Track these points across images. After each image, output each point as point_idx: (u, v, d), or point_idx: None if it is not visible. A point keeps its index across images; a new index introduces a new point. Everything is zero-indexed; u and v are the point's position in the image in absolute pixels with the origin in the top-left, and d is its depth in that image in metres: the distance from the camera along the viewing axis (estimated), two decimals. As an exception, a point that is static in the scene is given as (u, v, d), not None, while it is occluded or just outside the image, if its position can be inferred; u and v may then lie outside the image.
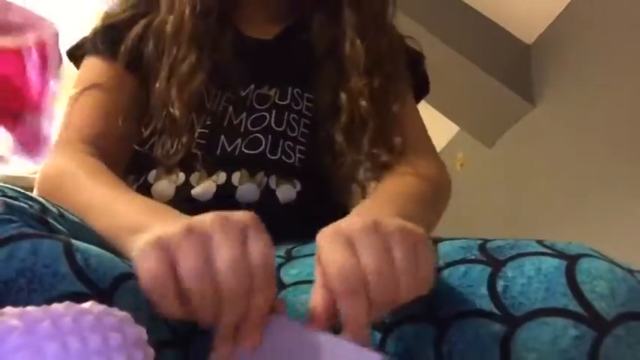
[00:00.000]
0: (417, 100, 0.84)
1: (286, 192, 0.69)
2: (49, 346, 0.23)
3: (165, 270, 0.37)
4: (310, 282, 0.50)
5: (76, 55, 0.78)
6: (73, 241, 0.41)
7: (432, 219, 0.65)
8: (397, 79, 0.75)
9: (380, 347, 0.46)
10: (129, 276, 0.41)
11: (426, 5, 2.30)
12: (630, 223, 1.71)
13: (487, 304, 0.42)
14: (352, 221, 0.42)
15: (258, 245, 0.39)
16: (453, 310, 0.44)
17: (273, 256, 0.40)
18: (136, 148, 0.72)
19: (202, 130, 0.70)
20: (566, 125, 2.14)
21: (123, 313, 0.26)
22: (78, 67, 0.78)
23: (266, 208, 0.57)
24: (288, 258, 0.58)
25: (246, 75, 0.73)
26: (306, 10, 0.78)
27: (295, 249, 0.60)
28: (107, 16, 0.77)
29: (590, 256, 0.42)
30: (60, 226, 0.45)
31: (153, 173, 0.70)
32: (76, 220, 0.50)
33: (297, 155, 0.71)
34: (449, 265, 0.46)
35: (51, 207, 0.47)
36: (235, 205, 0.66)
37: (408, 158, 0.70)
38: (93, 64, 0.75)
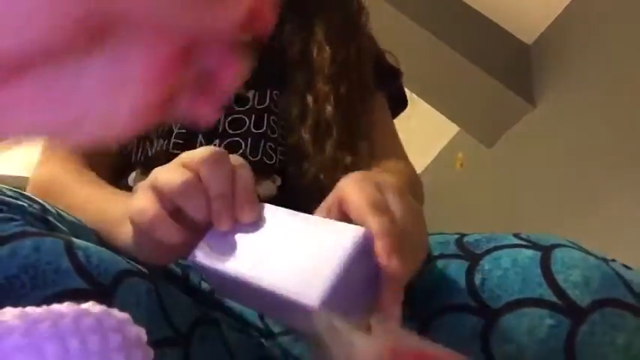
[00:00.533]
0: (394, 115, 0.85)
1: (267, 188, 0.69)
2: (49, 347, 0.23)
3: (154, 199, 0.40)
4: None
5: None
6: (74, 239, 0.41)
7: None
8: (364, 87, 0.76)
9: None
10: (130, 273, 0.41)
11: (425, 5, 2.30)
12: (631, 223, 1.71)
13: (465, 298, 0.43)
14: (385, 176, 0.43)
15: (237, 158, 0.43)
16: (433, 305, 0.44)
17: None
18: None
19: (180, 131, 0.70)
20: (566, 126, 2.14)
21: (123, 314, 0.26)
22: None
23: None
24: None
25: None
26: (279, 16, 0.79)
27: None
28: None
29: (564, 246, 0.43)
30: (60, 225, 0.46)
31: (132, 176, 0.71)
32: (74, 220, 0.51)
33: (279, 157, 0.71)
34: (428, 261, 0.47)
35: (50, 207, 0.48)
36: None
37: (379, 162, 0.71)
38: None
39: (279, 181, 0.70)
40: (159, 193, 0.41)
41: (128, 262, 0.43)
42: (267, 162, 0.71)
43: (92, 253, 0.40)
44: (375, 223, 0.37)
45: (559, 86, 2.23)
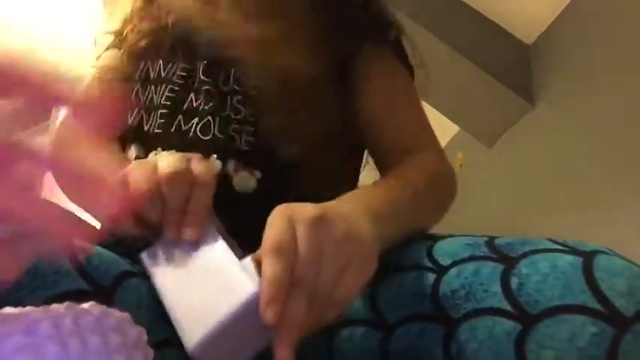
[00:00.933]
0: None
1: (244, 180, 0.66)
2: (50, 347, 0.23)
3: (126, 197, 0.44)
4: None
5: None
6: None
7: (419, 217, 0.60)
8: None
9: (382, 345, 0.45)
10: (130, 274, 0.42)
11: (425, 5, 2.30)
12: (631, 223, 1.71)
13: (500, 302, 0.41)
14: (307, 208, 0.42)
15: (199, 162, 0.48)
16: (464, 308, 0.43)
17: (213, 171, 0.48)
18: None
19: (163, 111, 0.70)
20: (566, 125, 2.14)
21: (122, 314, 0.26)
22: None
23: (222, 198, 0.55)
24: None
25: (185, 50, 0.74)
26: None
27: None
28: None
29: (605, 252, 0.42)
30: None
31: (132, 151, 0.72)
32: None
33: (245, 137, 0.68)
34: (456, 262, 0.45)
35: None
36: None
37: (407, 153, 0.69)
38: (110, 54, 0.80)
39: (259, 174, 0.67)
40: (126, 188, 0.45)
41: (129, 263, 0.43)
42: (233, 144, 0.68)
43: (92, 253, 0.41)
44: (266, 270, 0.38)
45: (559, 86, 2.23)
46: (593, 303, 0.39)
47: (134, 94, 0.73)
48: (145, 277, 0.43)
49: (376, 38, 0.76)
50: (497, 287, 0.42)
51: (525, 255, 0.43)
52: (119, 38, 0.78)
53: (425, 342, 0.43)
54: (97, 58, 0.82)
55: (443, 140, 3.03)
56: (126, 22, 0.79)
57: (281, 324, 0.36)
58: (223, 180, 0.65)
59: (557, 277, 0.40)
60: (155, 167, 0.46)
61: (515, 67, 2.41)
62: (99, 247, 0.42)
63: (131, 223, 0.44)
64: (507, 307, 0.41)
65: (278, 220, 0.41)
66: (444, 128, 2.83)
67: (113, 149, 0.69)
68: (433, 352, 0.43)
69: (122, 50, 0.76)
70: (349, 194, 0.53)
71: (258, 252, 0.41)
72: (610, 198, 1.83)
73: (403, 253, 0.49)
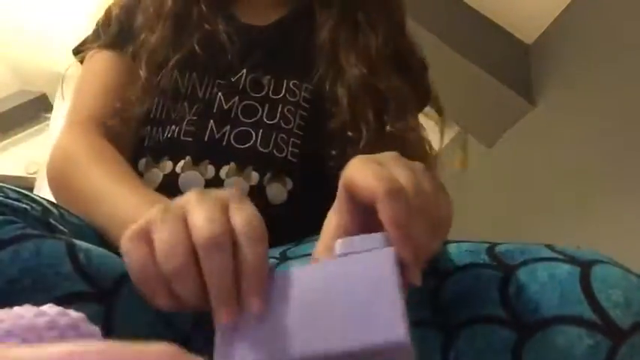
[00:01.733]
0: (418, 110, 0.83)
1: (277, 191, 0.67)
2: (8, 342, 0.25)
3: (149, 259, 0.35)
4: None
5: (81, 51, 0.79)
6: (76, 241, 0.41)
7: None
8: (402, 85, 0.74)
9: None
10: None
11: (425, 5, 2.30)
12: (632, 224, 1.71)
13: (498, 310, 0.41)
14: (379, 154, 0.40)
15: (240, 210, 0.37)
16: (462, 315, 0.43)
17: (259, 219, 0.37)
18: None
19: (192, 118, 0.69)
20: (567, 125, 2.14)
21: (78, 314, 0.27)
22: (82, 63, 0.79)
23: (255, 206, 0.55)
24: (283, 259, 0.57)
25: (236, 60, 0.72)
26: (303, 10, 0.78)
27: (290, 250, 0.59)
28: (109, 10, 0.79)
29: (604, 262, 0.41)
30: (61, 227, 0.46)
31: (142, 162, 0.70)
32: (76, 221, 0.51)
33: (291, 148, 0.69)
34: (458, 269, 0.45)
35: (52, 208, 0.48)
36: None
37: None
38: (99, 56, 0.76)
39: (290, 185, 0.67)
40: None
41: None
42: (277, 155, 0.68)
43: (94, 255, 0.40)
44: (387, 208, 0.34)
45: (559, 86, 2.23)
46: (589, 314, 0.39)
47: (156, 105, 0.72)
48: None
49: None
50: (494, 292, 0.42)
51: (524, 263, 0.43)
52: (130, 42, 0.75)
53: (424, 348, 0.43)
54: (78, 50, 0.79)
55: (444, 140, 3.04)
56: (146, 26, 0.74)
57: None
58: (257, 190, 0.65)
59: (554, 287, 0.40)
60: (185, 225, 0.36)
61: (515, 67, 2.41)
62: (99, 249, 0.42)
63: (164, 297, 0.36)
64: (505, 315, 0.41)
65: (367, 164, 0.37)
66: (445, 128, 2.83)
67: (131, 176, 0.61)
68: (433, 358, 0.43)
69: (140, 57, 0.72)
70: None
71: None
72: (610, 198, 1.83)
73: None
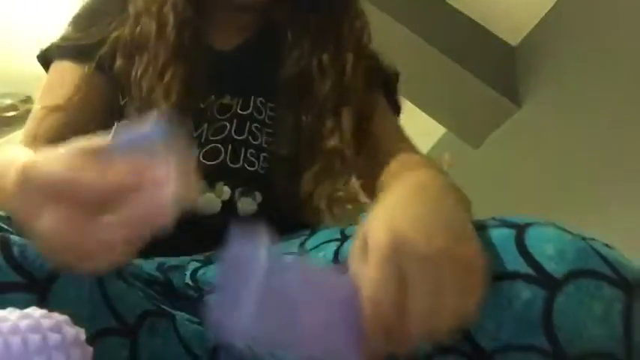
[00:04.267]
0: None
1: (246, 204, 0.69)
2: None
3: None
4: None
5: (46, 57, 0.78)
6: (12, 236, 0.42)
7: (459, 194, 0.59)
8: (364, 104, 0.76)
9: None
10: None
11: (410, 7, 2.31)
12: (619, 223, 1.73)
13: None
14: (409, 241, 0.39)
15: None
16: None
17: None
18: None
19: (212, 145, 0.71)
20: (552, 126, 2.15)
21: (62, 316, 0.28)
22: (47, 70, 0.78)
23: (227, 221, 0.57)
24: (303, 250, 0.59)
25: (204, 86, 0.73)
26: (275, 20, 0.79)
27: (308, 241, 0.61)
28: (75, 25, 0.77)
29: (539, 223, 0.43)
30: (6, 227, 0.46)
31: None
32: None
33: (262, 164, 0.71)
34: None
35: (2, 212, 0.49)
36: (197, 217, 0.66)
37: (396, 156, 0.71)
38: (62, 68, 0.75)
39: (259, 198, 0.70)
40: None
41: None
42: (249, 168, 0.71)
43: (29, 248, 0.41)
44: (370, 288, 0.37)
45: (544, 87, 2.25)
46: (525, 269, 0.40)
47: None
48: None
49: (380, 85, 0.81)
50: None
51: None
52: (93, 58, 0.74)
53: None
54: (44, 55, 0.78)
55: (430, 142, 3.05)
56: (124, 54, 0.73)
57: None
58: (228, 204, 0.68)
59: (491, 250, 0.41)
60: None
61: (500, 69, 2.42)
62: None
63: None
64: None
65: (386, 269, 0.38)
66: (430, 130, 2.84)
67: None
68: None
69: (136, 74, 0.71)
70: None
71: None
72: (597, 198, 1.85)
73: None
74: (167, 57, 0.71)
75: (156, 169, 0.37)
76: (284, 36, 0.78)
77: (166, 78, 0.69)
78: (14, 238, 0.41)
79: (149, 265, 0.62)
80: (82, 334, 0.28)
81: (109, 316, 0.43)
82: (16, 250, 0.40)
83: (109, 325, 0.42)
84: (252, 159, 0.71)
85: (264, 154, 0.72)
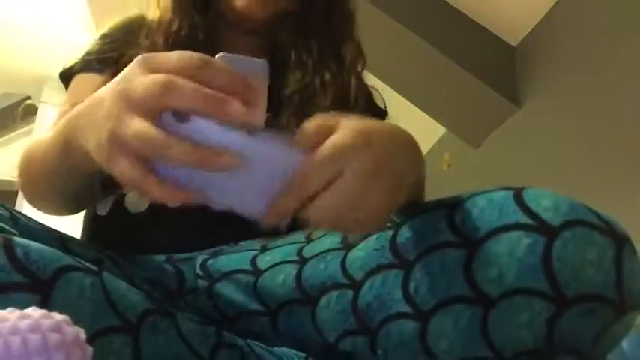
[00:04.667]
0: None
1: None
2: None
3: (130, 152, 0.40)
4: (284, 262, 0.56)
5: (68, 75, 0.81)
6: (15, 237, 0.42)
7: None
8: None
9: (353, 302, 0.50)
10: (72, 268, 0.43)
11: (410, 7, 2.31)
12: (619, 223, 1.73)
13: (447, 237, 0.46)
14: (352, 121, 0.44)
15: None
16: (417, 250, 0.48)
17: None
18: None
19: None
20: (552, 126, 2.16)
21: (62, 316, 0.28)
22: (67, 87, 0.81)
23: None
24: (263, 250, 0.61)
25: None
26: (279, 42, 0.83)
27: (270, 243, 0.63)
28: (97, 42, 0.82)
29: (534, 187, 0.47)
30: (9, 228, 0.47)
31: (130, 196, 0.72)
32: (30, 224, 0.52)
33: None
34: (411, 218, 0.50)
35: (3, 212, 0.50)
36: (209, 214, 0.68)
37: None
38: (85, 79, 0.79)
39: None
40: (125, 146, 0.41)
41: (72, 258, 0.44)
42: None
43: (32, 249, 0.42)
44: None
45: (544, 87, 2.25)
46: (525, 220, 0.44)
47: None
48: (89, 271, 0.44)
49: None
50: (443, 225, 0.47)
51: (466, 199, 0.48)
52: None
53: (387, 288, 0.48)
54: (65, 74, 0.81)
55: (430, 142, 3.05)
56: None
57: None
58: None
59: (492, 207, 0.45)
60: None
61: (501, 69, 2.43)
62: (39, 244, 0.43)
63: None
64: (454, 238, 0.46)
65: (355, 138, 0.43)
66: (431, 130, 2.84)
67: None
68: (394, 294, 0.47)
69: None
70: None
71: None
72: (596, 198, 1.84)
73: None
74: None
75: (252, 90, 0.42)
76: (288, 56, 0.81)
77: None
78: (17, 239, 0.42)
79: (158, 259, 0.64)
80: (82, 334, 0.28)
81: (112, 314, 0.44)
82: (19, 251, 0.41)
83: (111, 324, 0.43)
84: None
85: None
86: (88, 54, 0.81)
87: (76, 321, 0.29)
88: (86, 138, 0.46)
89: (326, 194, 0.42)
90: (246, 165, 0.40)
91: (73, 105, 0.74)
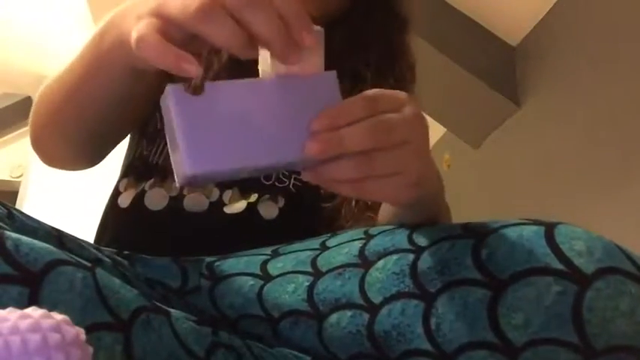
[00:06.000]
0: None
1: (268, 208, 0.71)
2: None
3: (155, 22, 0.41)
4: (297, 272, 0.54)
5: None
6: (7, 232, 0.42)
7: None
8: None
9: (368, 327, 0.48)
10: (64, 262, 0.42)
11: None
12: (616, 223, 1.73)
13: (472, 273, 0.44)
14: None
15: None
16: (439, 283, 0.45)
17: None
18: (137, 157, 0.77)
19: None
20: (551, 126, 2.16)
21: (61, 316, 0.28)
22: None
23: (249, 223, 0.64)
24: (274, 255, 0.60)
25: None
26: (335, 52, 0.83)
27: (281, 248, 0.62)
28: None
29: (567, 223, 0.45)
30: (4, 225, 0.47)
31: (150, 182, 0.73)
32: (28, 222, 0.52)
33: (293, 181, 0.73)
34: (433, 242, 0.48)
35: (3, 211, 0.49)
36: (222, 218, 0.69)
37: None
38: None
39: (282, 202, 0.72)
40: (165, 19, 0.41)
41: (67, 255, 0.44)
42: (279, 185, 0.72)
43: (23, 242, 0.41)
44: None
45: (544, 87, 2.25)
46: (556, 264, 0.42)
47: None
48: (81, 266, 0.44)
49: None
50: (469, 261, 0.45)
51: (495, 230, 0.46)
52: None
53: (407, 319, 0.46)
54: None
55: (430, 142, 3.05)
56: None
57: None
58: (249, 208, 0.70)
59: (523, 245, 0.43)
60: None
61: (500, 69, 2.43)
62: (31, 239, 0.43)
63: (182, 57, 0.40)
64: (479, 276, 0.44)
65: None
66: (430, 130, 2.84)
67: None
68: (415, 328, 0.46)
69: None
70: None
71: None
72: (596, 198, 1.85)
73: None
74: None
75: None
76: (340, 66, 0.81)
77: None
78: (8, 233, 0.42)
79: (163, 259, 0.63)
80: (82, 334, 0.28)
81: (102, 310, 0.43)
82: (9, 243, 0.41)
83: (101, 319, 0.42)
84: (284, 178, 0.74)
85: (297, 174, 0.74)
86: None
87: (65, 315, 0.29)
88: (120, 26, 0.47)
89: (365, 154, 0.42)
90: (282, 108, 0.40)
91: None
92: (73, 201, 3.08)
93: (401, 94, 0.46)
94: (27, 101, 3.61)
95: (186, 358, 0.47)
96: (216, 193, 0.71)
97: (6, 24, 2.98)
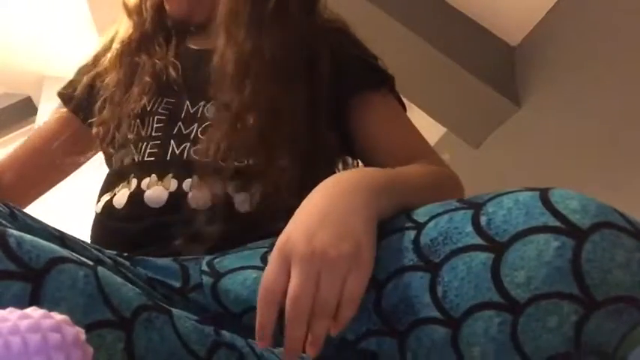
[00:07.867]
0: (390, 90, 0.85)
1: (243, 199, 0.70)
2: None
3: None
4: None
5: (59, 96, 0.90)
6: (10, 230, 0.42)
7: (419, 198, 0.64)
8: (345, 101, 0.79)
9: (375, 303, 0.50)
10: (66, 259, 0.43)
11: (410, 6, 2.31)
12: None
13: (474, 239, 0.46)
14: (299, 243, 0.48)
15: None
16: (442, 252, 0.47)
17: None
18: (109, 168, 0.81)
19: (154, 142, 0.74)
20: (551, 126, 2.16)
21: (62, 316, 0.28)
22: None
23: (221, 215, 0.66)
24: (273, 247, 0.61)
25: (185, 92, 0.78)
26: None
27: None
28: (78, 70, 0.89)
29: (560, 188, 0.47)
30: (6, 223, 0.47)
31: (119, 187, 0.74)
32: (30, 222, 0.52)
33: (251, 161, 0.73)
34: (432, 217, 0.50)
35: (3, 208, 0.50)
36: (187, 211, 0.69)
37: (409, 161, 0.73)
38: (55, 113, 0.88)
39: (257, 194, 0.71)
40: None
41: (69, 252, 0.44)
42: (238, 164, 0.72)
43: (26, 240, 0.42)
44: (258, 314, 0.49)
45: (544, 87, 2.25)
46: (553, 222, 0.43)
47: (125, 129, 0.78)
48: (83, 264, 0.44)
49: (371, 85, 0.83)
50: (469, 228, 0.47)
51: (491, 199, 0.48)
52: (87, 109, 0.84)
53: (413, 291, 0.48)
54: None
55: (430, 142, 3.04)
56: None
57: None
58: (224, 199, 0.70)
59: (519, 208, 0.45)
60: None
61: (500, 69, 2.42)
62: (33, 237, 0.43)
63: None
64: (480, 241, 0.45)
65: (274, 262, 0.49)
66: (430, 130, 2.84)
67: None
68: (422, 298, 0.47)
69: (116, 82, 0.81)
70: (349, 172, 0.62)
71: None
72: (596, 198, 1.84)
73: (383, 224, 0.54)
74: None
75: None
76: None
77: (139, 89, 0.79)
78: (11, 230, 0.42)
79: (164, 259, 0.64)
80: (82, 334, 0.28)
81: (104, 308, 0.43)
82: (12, 240, 0.41)
83: (103, 318, 0.43)
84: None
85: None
86: (68, 84, 0.88)
87: (67, 313, 0.29)
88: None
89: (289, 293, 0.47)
90: None
91: (38, 131, 0.87)
92: (73, 201, 3.08)
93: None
94: (27, 101, 3.61)
95: (188, 357, 0.47)
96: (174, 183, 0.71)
97: (6, 24, 2.98)
